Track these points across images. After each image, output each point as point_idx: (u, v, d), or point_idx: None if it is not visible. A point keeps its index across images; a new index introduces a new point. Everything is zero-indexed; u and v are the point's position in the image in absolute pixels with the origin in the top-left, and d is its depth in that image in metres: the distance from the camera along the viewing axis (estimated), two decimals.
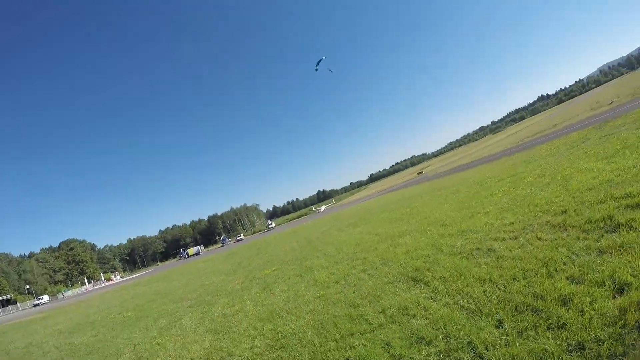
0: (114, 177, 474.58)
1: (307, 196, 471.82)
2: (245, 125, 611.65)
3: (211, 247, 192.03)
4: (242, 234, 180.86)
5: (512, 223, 12.70)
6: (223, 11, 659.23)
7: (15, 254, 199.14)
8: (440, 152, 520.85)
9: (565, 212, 11.51)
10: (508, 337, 6.17)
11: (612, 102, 61.09)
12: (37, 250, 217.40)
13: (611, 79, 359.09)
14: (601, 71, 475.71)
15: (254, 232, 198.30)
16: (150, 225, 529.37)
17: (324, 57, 44.40)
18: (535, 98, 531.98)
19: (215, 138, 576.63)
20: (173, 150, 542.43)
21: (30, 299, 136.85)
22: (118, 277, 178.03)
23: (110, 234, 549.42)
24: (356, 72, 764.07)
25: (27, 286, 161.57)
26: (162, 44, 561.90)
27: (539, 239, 10.12)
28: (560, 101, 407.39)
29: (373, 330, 8.31)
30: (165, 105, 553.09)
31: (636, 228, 8.34)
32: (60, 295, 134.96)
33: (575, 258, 8.11)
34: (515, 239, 10.93)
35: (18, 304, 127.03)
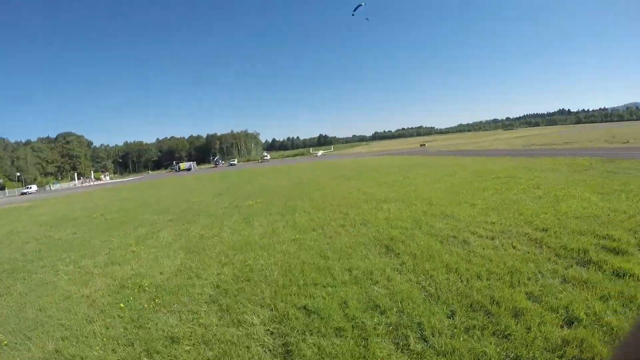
0: (121, 75, 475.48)
1: (308, 137, 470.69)
2: (263, 51, 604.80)
3: (204, 166, 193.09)
4: (235, 160, 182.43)
5: (494, 223, 12.97)
6: None
7: (12, 139, 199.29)
8: (448, 131, 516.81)
9: (546, 230, 11.73)
10: (455, 330, 6.42)
11: (627, 141, 60.68)
12: (34, 139, 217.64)
13: (635, 119, 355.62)
14: (628, 108, 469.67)
15: (248, 160, 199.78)
16: (148, 131, 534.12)
17: (364, 4, 43.85)
18: (556, 109, 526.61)
19: (230, 55, 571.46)
20: (185, 59, 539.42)
21: (19, 187, 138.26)
22: (107, 178, 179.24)
23: (108, 134, 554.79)
24: (385, 24, 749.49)
25: (18, 173, 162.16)
26: None
27: (514, 247, 10.36)
28: (579, 121, 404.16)
29: (335, 286, 8.64)
30: (182, 11, 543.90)
31: (605, 270, 8.46)
32: (48, 187, 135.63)
33: (539, 277, 8.32)
34: (492, 239, 11.19)
35: (6, 190, 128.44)
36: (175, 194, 36.37)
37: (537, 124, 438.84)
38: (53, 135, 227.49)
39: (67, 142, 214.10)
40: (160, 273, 11.09)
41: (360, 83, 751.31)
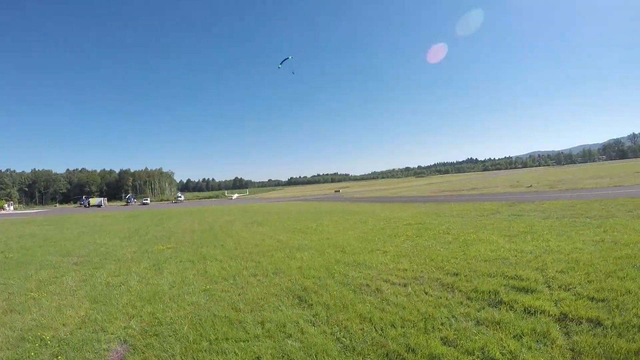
0: (33, 98, 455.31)
1: (224, 179, 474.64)
2: (180, 89, 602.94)
3: (115, 203, 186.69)
4: (148, 198, 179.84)
5: (406, 270, 13.02)
6: None
7: None
8: (362, 178, 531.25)
9: (457, 274, 11.91)
10: None
11: (531, 185, 64.41)
12: None
13: (537, 166, 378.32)
14: (531, 156, 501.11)
15: (161, 200, 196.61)
16: (58, 160, 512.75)
17: (290, 57, 44.58)
18: (464, 158, 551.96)
19: (148, 92, 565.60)
20: (102, 90, 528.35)
21: None
22: (11, 207, 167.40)
23: (15, 158, 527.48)
24: (307, 74, 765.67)
25: None
26: None
27: (426, 293, 10.38)
28: (486, 169, 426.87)
29: (248, 340, 8.25)
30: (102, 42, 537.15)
31: (516, 310, 8.66)
32: None
33: (453, 321, 8.35)
34: (405, 286, 11.17)
35: None
36: (82, 233, 34.48)
37: (447, 172, 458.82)
38: None
39: None
40: (64, 325, 10.23)
41: (277, 129, 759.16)
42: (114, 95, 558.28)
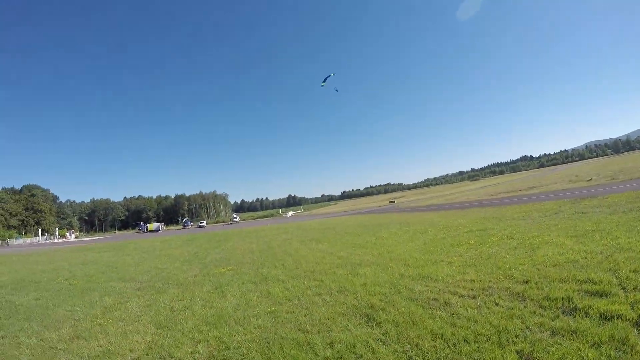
0: (88, 131, 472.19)
1: (277, 198, 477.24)
2: (233, 115, 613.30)
3: (172, 227, 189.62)
4: (204, 221, 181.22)
5: (473, 280, 12.71)
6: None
7: None
8: (415, 186, 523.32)
9: (526, 282, 11.56)
10: None
11: (591, 179, 62.16)
12: None
13: (595, 157, 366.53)
14: (587, 147, 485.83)
15: (217, 222, 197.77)
16: (116, 189, 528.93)
17: (332, 74, 44.33)
18: (518, 156, 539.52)
19: (201, 119, 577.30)
20: (155, 120, 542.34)
21: None
22: (73, 235, 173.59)
23: (75, 190, 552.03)
24: (354, 90, 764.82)
25: None
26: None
27: (497, 304, 10.09)
28: (542, 165, 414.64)
29: None
30: (156, 76, 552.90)
31: (592, 316, 8.34)
32: (11, 241, 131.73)
33: (528, 333, 8.09)
34: (474, 298, 10.89)
35: None
36: (142, 259, 35.13)
37: (501, 172, 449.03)
38: (18, 186, 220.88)
39: (32, 195, 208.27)
40: (130, 351, 10.36)
41: (327, 143, 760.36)
42: (165, 124, 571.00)
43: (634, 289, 9.55)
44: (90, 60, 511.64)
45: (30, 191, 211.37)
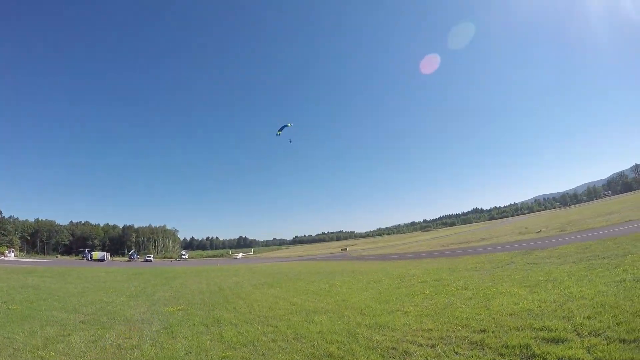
0: (40, 148, 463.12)
1: (228, 238, 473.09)
2: (187, 150, 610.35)
3: (118, 258, 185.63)
4: (152, 255, 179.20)
5: (431, 330, 12.61)
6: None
7: None
8: (368, 235, 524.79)
9: (484, 331, 11.60)
10: None
11: (540, 230, 64.02)
12: None
13: (543, 209, 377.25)
14: (536, 200, 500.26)
15: (164, 257, 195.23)
16: (62, 212, 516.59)
17: (289, 124, 44.23)
18: (470, 209, 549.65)
19: (151, 148, 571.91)
20: (108, 145, 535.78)
21: None
22: (12, 254, 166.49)
23: (19, 206, 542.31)
24: (308, 137, 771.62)
25: None
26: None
27: (456, 353, 10.06)
28: (492, 218, 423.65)
29: None
30: (115, 99, 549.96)
31: None
32: None
33: None
34: (433, 347, 10.79)
35: None
36: (86, 289, 33.60)
37: (453, 224, 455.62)
38: None
39: None
40: None
41: (281, 187, 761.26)
42: (117, 151, 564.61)
43: (588, 334, 9.78)
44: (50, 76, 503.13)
45: None
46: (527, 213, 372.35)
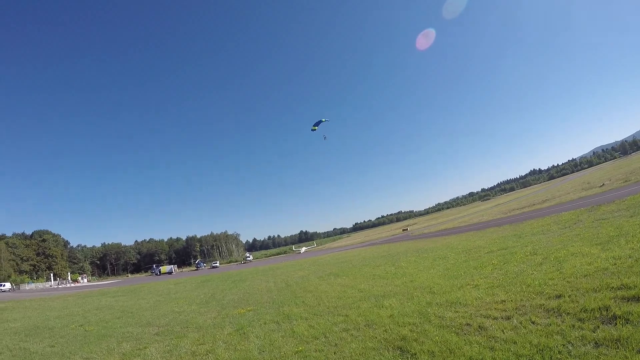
0: (98, 176, 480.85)
1: (289, 234, 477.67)
2: (238, 156, 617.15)
3: (185, 269, 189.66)
4: (217, 262, 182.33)
5: (504, 301, 12.31)
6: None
7: None
8: (427, 212, 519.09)
9: (559, 296, 11.23)
10: None
11: (603, 184, 61.64)
12: (9, 233, 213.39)
13: (604, 162, 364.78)
14: (594, 153, 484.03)
15: (230, 262, 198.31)
16: (127, 233, 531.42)
17: (325, 120, 42.61)
18: (527, 171, 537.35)
19: (206, 162, 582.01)
20: (164, 163, 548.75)
21: None
22: (85, 280, 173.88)
23: (86, 234, 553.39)
24: (355, 120, 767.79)
25: None
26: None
27: (533, 323, 9.74)
28: (552, 177, 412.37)
29: None
30: (163, 121, 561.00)
31: (633, 322, 8.10)
32: (22, 286, 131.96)
33: (570, 347, 7.78)
34: (508, 319, 10.52)
35: None
36: (158, 302, 34.51)
37: (512, 189, 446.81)
38: (28, 232, 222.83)
39: (43, 240, 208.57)
40: None
41: (337, 177, 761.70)
42: (175, 166, 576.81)
43: None
44: (101, 98, 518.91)
45: (41, 236, 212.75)
46: (587, 167, 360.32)
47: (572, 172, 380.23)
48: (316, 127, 42.37)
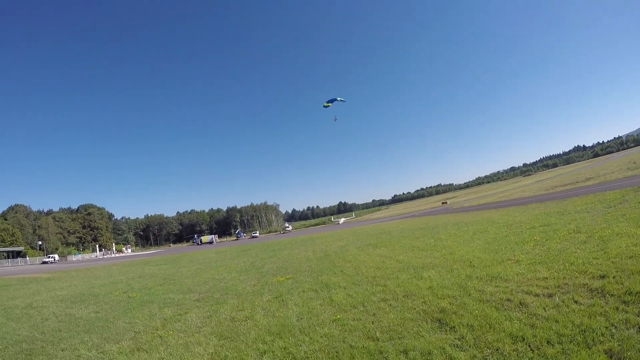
0: (145, 151, 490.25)
1: (328, 205, 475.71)
2: (276, 128, 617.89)
3: (225, 239, 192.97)
4: (257, 232, 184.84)
5: (546, 278, 12.16)
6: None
7: (34, 208, 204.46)
8: (467, 185, 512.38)
9: (604, 277, 11.04)
10: None
11: None
12: (56, 208, 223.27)
13: None
14: None
15: (269, 232, 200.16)
16: (169, 205, 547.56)
17: (340, 99, 40.57)
18: (571, 147, 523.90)
19: (247, 133, 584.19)
20: (206, 136, 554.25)
21: (40, 255, 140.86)
22: (129, 250, 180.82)
23: (129, 207, 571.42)
24: (394, 95, 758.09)
25: (40, 242, 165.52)
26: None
27: (576, 302, 9.61)
28: (596, 155, 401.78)
29: None
30: (204, 93, 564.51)
31: None
32: (70, 257, 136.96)
33: (614, 330, 7.66)
34: (550, 296, 10.40)
35: (27, 258, 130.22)
36: (198, 270, 35.48)
37: (555, 165, 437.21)
38: (74, 206, 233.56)
39: (89, 214, 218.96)
40: None
41: (376, 148, 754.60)
42: (213, 138, 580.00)
43: None
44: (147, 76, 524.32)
45: (86, 210, 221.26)
46: (634, 146, 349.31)
47: (618, 150, 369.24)
48: (329, 104, 40.58)
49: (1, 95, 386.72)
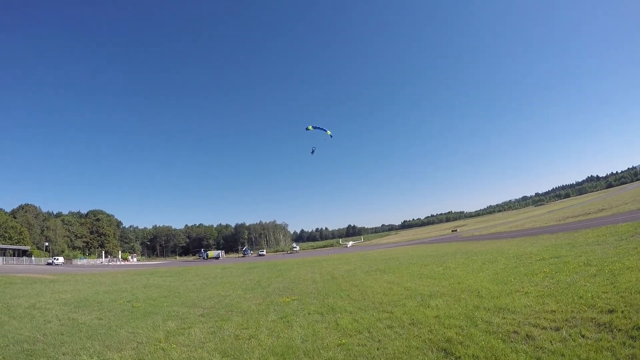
0: (158, 161, 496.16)
1: (337, 228, 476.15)
2: (289, 147, 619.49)
3: (232, 255, 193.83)
4: (264, 250, 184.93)
5: (554, 311, 12.07)
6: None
7: (44, 209, 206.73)
8: (478, 214, 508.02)
9: (612, 311, 10.95)
10: None
11: None
12: (65, 212, 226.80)
13: None
14: None
15: (276, 251, 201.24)
16: (177, 217, 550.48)
17: (329, 133, 39.39)
18: (584, 177, 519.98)
19: (257, 151, 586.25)
20: (221, 151, 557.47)
21: (46, 256, 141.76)
22: (135, 259, 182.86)
23: (138, 216, 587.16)
24: (405, 120, 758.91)
25: (47, 243, 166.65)
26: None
27: (583, 336, 9.56)
28: (610, 185, 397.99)
29: None
30: (215, 106, 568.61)
31: None
32: (75, 261, 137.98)
33: None
34: (557, 330, 10.33)
35: (33, 258, 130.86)
36: (204, 285, 35.39)
37: (567, 195, 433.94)
38: (84, 211, 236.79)
39: (97, 220, 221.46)
40: None
41: (387, 173, 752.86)
42: (226, 155, 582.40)
43: None
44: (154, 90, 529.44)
45: (95, 216, 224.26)
46: None
47: (632, 180, 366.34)
48: (312, 128, 39.20)
49: (31, 95, 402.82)
